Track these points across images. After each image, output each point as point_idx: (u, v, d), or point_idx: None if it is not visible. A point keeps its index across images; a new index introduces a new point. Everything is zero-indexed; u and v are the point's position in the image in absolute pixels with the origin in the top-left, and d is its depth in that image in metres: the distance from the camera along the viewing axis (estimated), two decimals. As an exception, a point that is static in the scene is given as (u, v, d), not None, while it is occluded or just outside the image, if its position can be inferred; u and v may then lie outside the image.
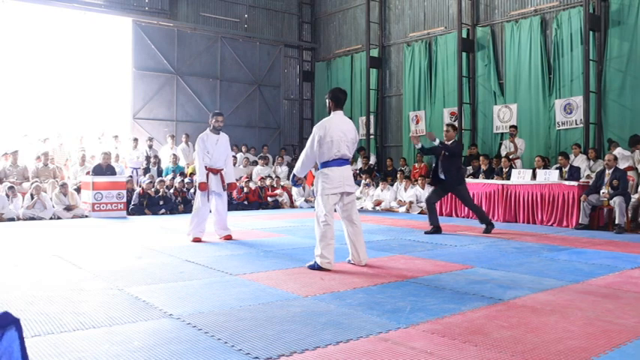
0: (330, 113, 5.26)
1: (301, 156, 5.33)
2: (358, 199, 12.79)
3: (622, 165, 9.07)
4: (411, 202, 11.46)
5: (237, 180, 7.59)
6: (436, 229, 7.91)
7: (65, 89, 13.75)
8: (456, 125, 10.93)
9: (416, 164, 13.46)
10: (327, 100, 5.30)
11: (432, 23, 14.39)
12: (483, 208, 9.64)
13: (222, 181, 7.08)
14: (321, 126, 5.12)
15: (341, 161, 5.13)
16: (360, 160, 14.73)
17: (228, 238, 7.08)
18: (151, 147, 13.42)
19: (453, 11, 13.59)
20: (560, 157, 9.59)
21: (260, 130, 16.70)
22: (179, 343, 2.93)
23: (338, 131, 5.08)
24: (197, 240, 6.93)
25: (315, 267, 5.04)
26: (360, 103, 16.35)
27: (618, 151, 9.54)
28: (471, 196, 9.96)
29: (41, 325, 3.21)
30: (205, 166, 7.01)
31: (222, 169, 7.12)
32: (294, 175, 5.50)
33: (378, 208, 12.08)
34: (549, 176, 9.20)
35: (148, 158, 13.01)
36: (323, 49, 17.93)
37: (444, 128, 8.67)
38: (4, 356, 1.46)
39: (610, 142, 10.09)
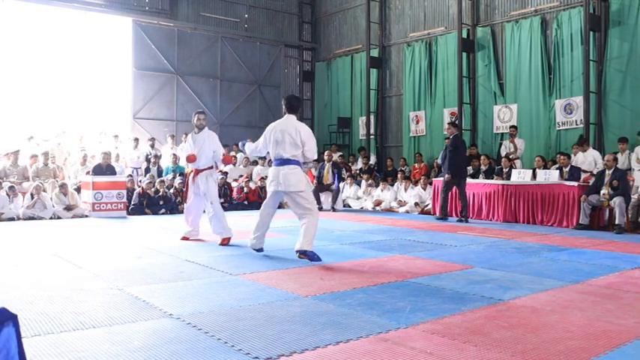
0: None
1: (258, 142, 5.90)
2: (358, 199, 12.79)
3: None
4: (416, 203, 11.44)
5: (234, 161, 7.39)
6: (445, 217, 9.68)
7: (65, 89, 13.75)
8: (457, 123, 11.01)
9: (416, 164, 13.47)
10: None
11: (432, 23, 14.39)
12: (483, 208, 9.97)
13: (194, 182, 6.90)
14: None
15: (277, 161, 5.55)
16: (360, 160, 14.73)
17: (224, 242, 6.70)
18: (153, 147, 13.41)
19: (453, 11, 13.59)
20: (562, 157, 9.58)
21: (260, 130, 16.42)
22: (179, 343, 2.93)
23: (278, 132, 5.52)
24: (184, 239, 7.02)
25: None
26: (360, 103, 16.35)
27: (590, 152, 10.02)
28: (472, 196, 10.08)
29: (41, 325, 3.21)
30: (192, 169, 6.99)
31: (205, 169, 6.87)
32: (243, 145, 6.11)
33: (378, 208, 12.08)
34: (549, 176, 9.19)
35: (148, 158, 13.00)
36: (323, 49, 17.93)
37: (445, 126, 9.68)
38: (1, 352, 1.46)
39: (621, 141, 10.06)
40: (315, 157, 6.35)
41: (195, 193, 6.94)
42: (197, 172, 6.89)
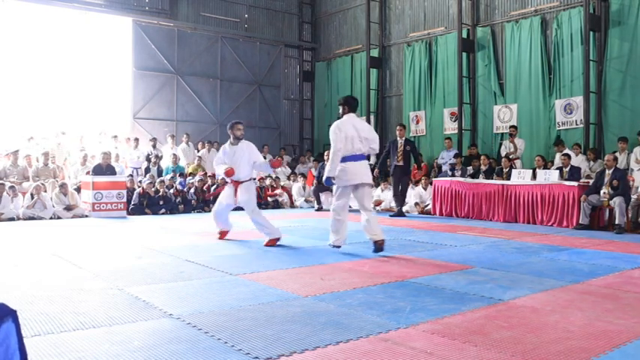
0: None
1: (331, 156, 5.91)
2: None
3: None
4: (416, 203, 11.44)
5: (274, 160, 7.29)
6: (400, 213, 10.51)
7: (65, 89, 13.75)
8: (404, 125, 11.99)
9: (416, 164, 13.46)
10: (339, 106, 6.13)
11: (432, 23, 14.39)
12: (483, 208, 10.04)
13: (236, 195, 6.80)
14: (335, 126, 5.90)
15: (356, 156, 5.87)
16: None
17: (270, 243, 6.65)
18: (154, 147, 13.40)
19: (453, 11, 13.59)
20: (562, 157, 9.58)
21: (260, 130, 16.69)
22: (179, 343, 2.93)
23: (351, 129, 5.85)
24: (222, 234, 7.15)
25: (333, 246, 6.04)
26: (360, 103, 16.29)
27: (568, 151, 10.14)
28: (472, 196, 10.09)
29: (41, 325, 3.21)
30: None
31: (245, 181, 6.78)
32: (329, 178, 5.97)
33: (378, 208, 12.07)
34: (549, 176, 9.20)
35: (148, 158, 13.00)
36: (323, 49, 17.93)
37: (398, 128, 10.80)
38: (1, 348, 1.45)
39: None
40: (378, 151, 6.60)
41: (227, 203, 6.89)
42: (237, 184, 6.74)
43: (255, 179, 7.23)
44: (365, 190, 5.93)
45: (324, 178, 6.15)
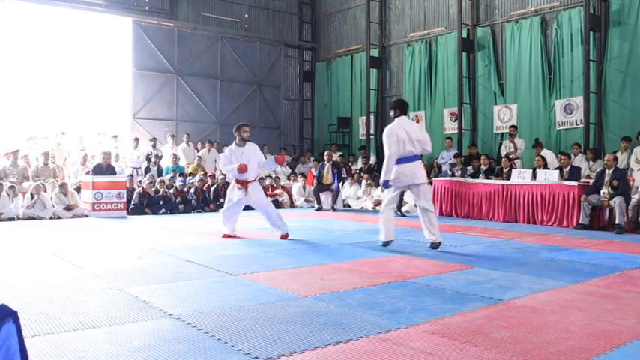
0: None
1: (386, 161, 6.14)
2: (358, 199, 12.79)
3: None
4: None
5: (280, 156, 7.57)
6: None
7: (65, 89, 13.74)
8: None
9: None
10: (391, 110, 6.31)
11: (432, 23, 14.39)
12: (483, 208, 10.02)
13: (246, 189, 6.99)
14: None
15: (408, 158, 6.07)
16: (360, 160, 14.73)
17: (284, 237, 7.16)
18: (154, 147, 13.40)
19: (453, 11, 13.59)
20: (562, 157, 9.58)
21: (260, 130, 16.69)
22: (179, 343, 2.93)
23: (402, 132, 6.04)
24: (226, 236, 7.24)
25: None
26: (360, 103, 16.34)
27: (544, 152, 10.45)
28: (472, 196, 10.08)
29: (41, 325, 3.21)
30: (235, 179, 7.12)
31: (252, 181, 7.06)
32: (386, 181, 6.19)
33: (378, 208, 12.05)
34: (549, 176, 9.19)
35: (148, 158, 12.99)
36: (323, 49, 17.93)
37: None
38: (1, 349, 1.45)
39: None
40: (431, 151, 6.83)
41: (237, 202, 7.08)
42: (245, 183, 6.98)
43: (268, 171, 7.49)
44: (420, 189, 6.13)
45: (381, 182, 6.36)
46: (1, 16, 12.85)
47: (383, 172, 6.22)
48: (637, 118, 10.48)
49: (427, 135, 6.30)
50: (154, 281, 4.49)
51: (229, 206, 7.22)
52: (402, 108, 6.27)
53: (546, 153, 10.56)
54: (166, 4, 15.15)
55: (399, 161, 6.06)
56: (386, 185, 6.24)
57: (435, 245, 6.21)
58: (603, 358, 2.76)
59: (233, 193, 7.13)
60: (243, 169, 6.85)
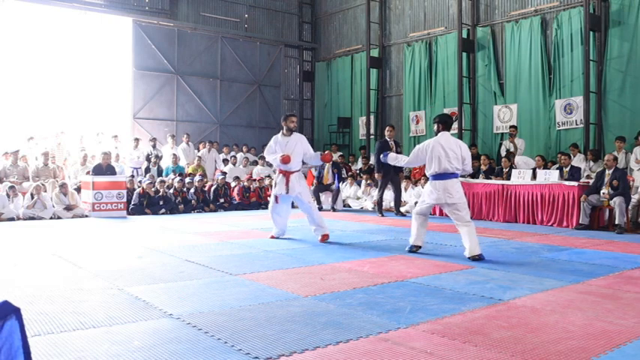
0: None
1: (403, 157, 6.34)
2: (358, 199, 12.79)
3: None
4: (416, 203, 11.41)
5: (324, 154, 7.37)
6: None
7: (65, 89, 13.74)
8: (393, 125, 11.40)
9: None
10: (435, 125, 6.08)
11: (432, 23, 14.39)
12: (483, 208, 10.03)
13: (287, 184, 6.87)
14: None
15: (441, 175, 5.81)
16: (360, 160, 14.73)
17: (324, 238, 6.86)
18: (154, 147, 13.40)
19: (453, 11, 13.59)
20: (563, 157, 9.58)
21: (260, 130, 16.70)
22: (179, 342, 2.93)
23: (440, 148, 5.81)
24: (273, 237, 7.15)
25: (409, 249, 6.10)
26: (360, 103, 16.35)
27: (520, 158, 10.66)
28: (472, 196, 10.09)
29: (41, 325, 3.21)
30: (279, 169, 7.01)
31: (295, 172, 6.92)
32: (386, 156, 6.36)
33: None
34: (549, 176, 9.19)
35: (149, 158, 12.99)
36: (323, 49, 17.93)
37: (388, 129, 10.69)
38: (4, 347, 1.45)
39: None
40: (472, 170, 6.67)
41: (282, 196, 6.93)
42: (288, 174, 6.86)
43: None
44: (452, 208, 5.77)
45: (381, 157, 6.46)
46: (1, 16, 12.85)
47: (391, 157, 6.32)
48: (637, 118, 10.48)
49: (468, 153, 5.93)
50: (154, 281, 4.49)
51: (274, 206, 7.08)
52: (445, 123, 5.96)
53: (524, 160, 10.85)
54: (166, 4, 15.15)
55: (434, 177, 5.84)
56: (385, 157, 6.36)
57: (473, 258, 5.66)
58: (603, 358, 2.76)
59: (275, 189, 7.03)
60: (286, 159, 6.73)
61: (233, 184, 12.47)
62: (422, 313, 3.54)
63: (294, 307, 3.68)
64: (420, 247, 6.10)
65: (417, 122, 14.62)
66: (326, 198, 12.06)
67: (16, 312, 1.49)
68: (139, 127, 14.53)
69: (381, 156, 6.56)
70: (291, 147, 6.87)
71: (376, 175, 10.68)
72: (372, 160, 15.07)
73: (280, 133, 7.09)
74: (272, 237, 7.17)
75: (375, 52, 15.67)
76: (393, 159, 6.35)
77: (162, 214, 10.78)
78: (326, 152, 7.95)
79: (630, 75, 10.62)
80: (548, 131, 11.90)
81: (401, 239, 7.18)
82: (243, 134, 16.26)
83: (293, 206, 7.59)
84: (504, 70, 12.75)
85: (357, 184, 13.15)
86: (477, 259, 5.58)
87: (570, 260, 5.64)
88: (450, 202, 5.72)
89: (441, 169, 5.75)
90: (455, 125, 13.42)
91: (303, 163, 7.23)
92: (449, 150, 5.75)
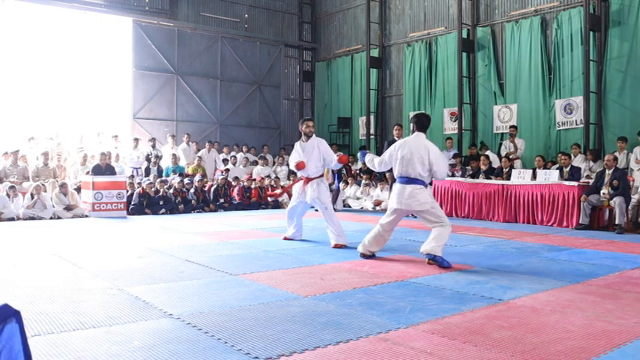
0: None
1: (375, 159, 5.80)
2: (358, 199, 12.79)
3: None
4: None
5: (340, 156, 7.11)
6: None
7: (65, 89, 13.74)
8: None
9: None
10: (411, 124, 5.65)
11: (432, 23, 14.39)
12: (483, 208, 9.98)
13: (304, 189, 6.76)
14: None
15: (404, 179, 5.36)
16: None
17: (337, 246, 6.45)
18: (154, 147, 13.40)
19: (454, 11, 13.59)
20: (563, 157, 9.58)
21: (260, 130, 16.70)
22: (179, 342, 2.93)
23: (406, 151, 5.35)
24: (286, 239, 7.07)
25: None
26: (360, 103, 16.35)
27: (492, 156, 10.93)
28: (472, 196, 10.08)
29: (41, 325, 3.21)
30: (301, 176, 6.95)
31: (314, 178, 6.73)
32: (363, 155, 5.98)
33: (378, 208, 12.07)
34: (549, 176, 9.19)
35: (148, 158, 12.99)
36: (323, 49, 17.93)
37: (396, 127, 10.18)
38: (4, 350, 1.45)
39: None
40: (445, 178, 6.19)
41: (299, 200, 6.84)
42: (307, 180, 6.76)
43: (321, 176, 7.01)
44: (421, 215, 5.36)
45: (359, 154, 6.14)
46: (1, 16, 12.85)
47: (367, 159, 5.88)
48: (637, 118, 10.48)
49: (440, 161, 5.36)
50: (153, 281, 4.49)
51: (291, 206, 7.03)
52: (418, 124, 5.48)
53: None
54: (166, 4, 15.15)
55: (399, 180, 5.41)
56: (362, 153, 6.03)
57: (430, 258, 5.26)
58: (603, 358, 2.76)
59: (295, 193, 6.98)
60: (300, 165, 6.66)
61: (233, 184, 12.47)
62: (422, 313, 3.54)
63: (294, 307, 3.68)
64: (374, 253, 5.71)
65: (417, 122, 14.60)
66: (326, 198, 12.04)
67: (16, 315, 1.49)
68: (138, 127, 14.53)
69: (359, 154, 6.32)
70: (309, 153, 6.71)
71: (387, 175, 10.55)
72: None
73: (301, 139, 6.98)
74: (285, 238, 7.09)
75: (375, 52, 15.67)
76: (369, 160, 5.88)
77: (163, 214, 10.78)
78: (341, 154, 7.77)
79: (630, 75, 10.62)
80: (548, 131, 11.90)
81: (401, 239, 7.18)
82: (243, 134, 16.26)
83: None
84: (504, 70, 12.75)
85: (357, 184, 13.15)
86: (432, 261, 5.18)
87: (570, 260, 5.64)
88: (418, 209, 5.29)
89: (403, 173, 5.35)
90: (455, 125, 13.44)
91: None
92: (415, 153, 5.28)
